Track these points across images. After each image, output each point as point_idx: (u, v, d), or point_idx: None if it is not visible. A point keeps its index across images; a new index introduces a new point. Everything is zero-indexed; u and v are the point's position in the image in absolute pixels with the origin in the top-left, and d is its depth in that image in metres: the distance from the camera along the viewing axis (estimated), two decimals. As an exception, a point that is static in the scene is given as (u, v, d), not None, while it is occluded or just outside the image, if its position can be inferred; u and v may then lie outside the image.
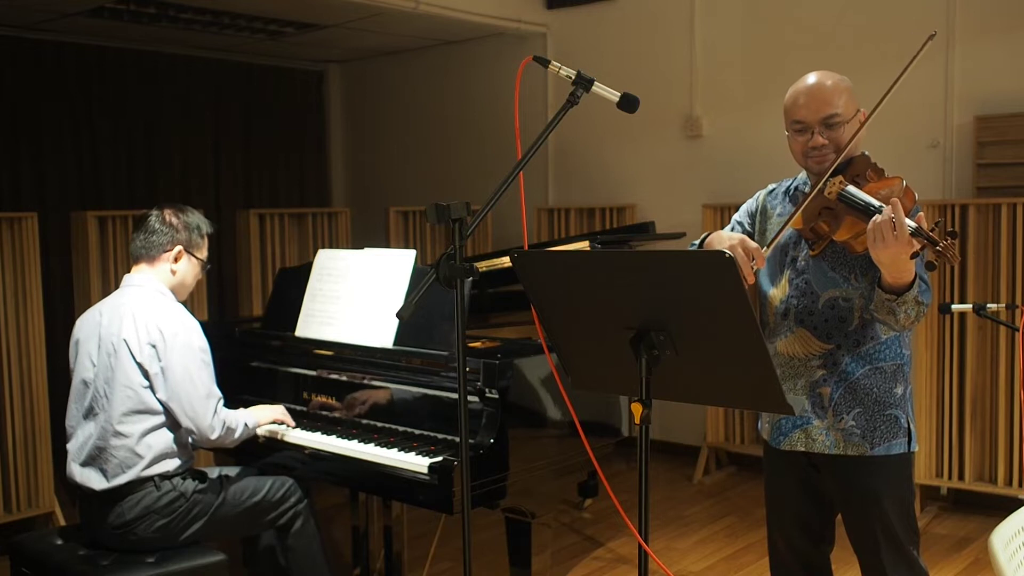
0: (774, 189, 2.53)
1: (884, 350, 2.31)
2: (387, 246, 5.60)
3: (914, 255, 1.96)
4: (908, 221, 1.95)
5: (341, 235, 5.82)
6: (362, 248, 3.26)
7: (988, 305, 3.04)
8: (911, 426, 2.35)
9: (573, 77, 2.17)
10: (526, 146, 2.12)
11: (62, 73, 6.19)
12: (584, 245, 3.40)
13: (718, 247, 2.25)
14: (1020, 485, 4.31)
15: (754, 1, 5.35)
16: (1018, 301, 4.21)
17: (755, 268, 2.18)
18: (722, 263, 1.67)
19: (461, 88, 6.82)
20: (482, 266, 2.94)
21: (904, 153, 4.75)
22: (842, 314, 2.29)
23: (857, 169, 2.23)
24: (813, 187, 2.31)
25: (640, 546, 1.87)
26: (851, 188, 2.17)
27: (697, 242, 2.47)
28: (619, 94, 2.23)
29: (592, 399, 3.02)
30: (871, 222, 2.00)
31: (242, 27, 6.10)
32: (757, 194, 2.56)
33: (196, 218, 3.01)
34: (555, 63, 2.20)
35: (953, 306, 3.20)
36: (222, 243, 6.71)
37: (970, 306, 3.10)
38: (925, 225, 1.96)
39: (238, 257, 5.57)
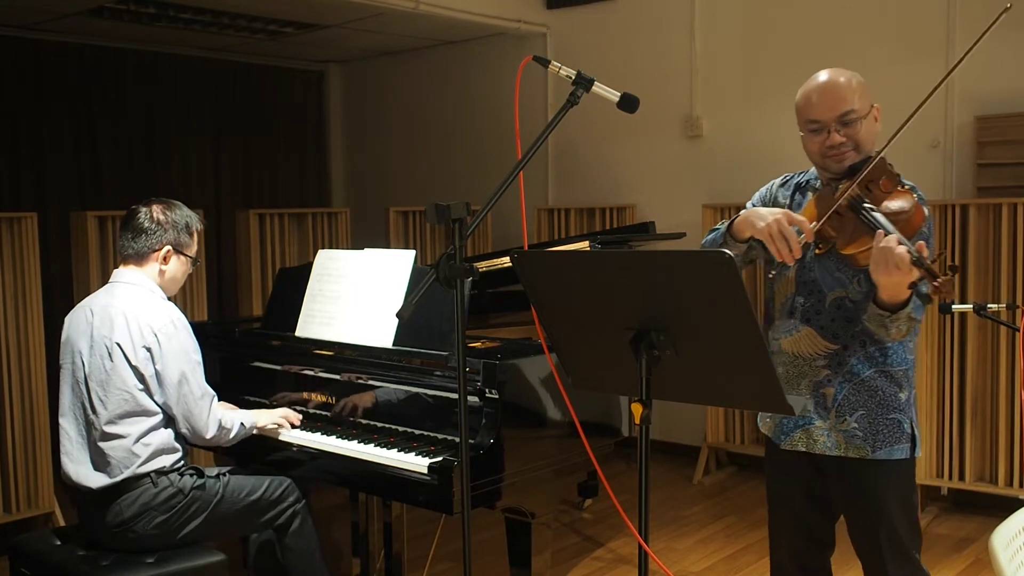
0: (787, 180, 2.47)
1: (892, 354, 2.29)
2: (387, 246, 5.60)
3: (912, 284, 1.97)
4: (911, 250, 1.94)
5: (341, 235, 5.82)
6: (362, 248, 3.26)
7: (988, 305, 3.03)
8: (915, 431, 2.32)
9: (573, 77, 2.17)
10: (526, 146, 2.12)
11: (62, 73, 6.18)
12: (584, 245, 3.40)
13: (757, 222, 2.16)
14: (1020, 485, 4.31)
15: (754, 1, 5.35)
16: (1018, 301, 4.21)
17: (803, 241, 2.11)
18: (722, 263, 1.67)
19: (461, 88, 6.82)
20: (482, 266, 2.94)
21: (904, 153, 4.71)
22: (849, 314, 2.27)
23: (872, 174, 2.18)
24: (827, 184, 2.28)
25: (640, 546, 1.87)
26: (866, 203, 2.12)
27: (723, 226, 2.36)
28: (619, 94, 2.23)
29: (592, 399, 3.01)
30: (875, 244, 1.98)
31: (242, 27, 6.09)
32: (770, 183, 2.50)
33: (185, 215, 2.96)
34: (555, 63, 2.20)
35: (953, 306, 3.19)
36: (222, 243, 6.72)
37: (970, 306, 3.09)
38: (926, 255, 1.95)
39: (238, 257, 5.56)
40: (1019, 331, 3.21)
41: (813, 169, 2.42)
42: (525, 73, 2.19)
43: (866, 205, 2.12)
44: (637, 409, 1.81)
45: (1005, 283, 4.28)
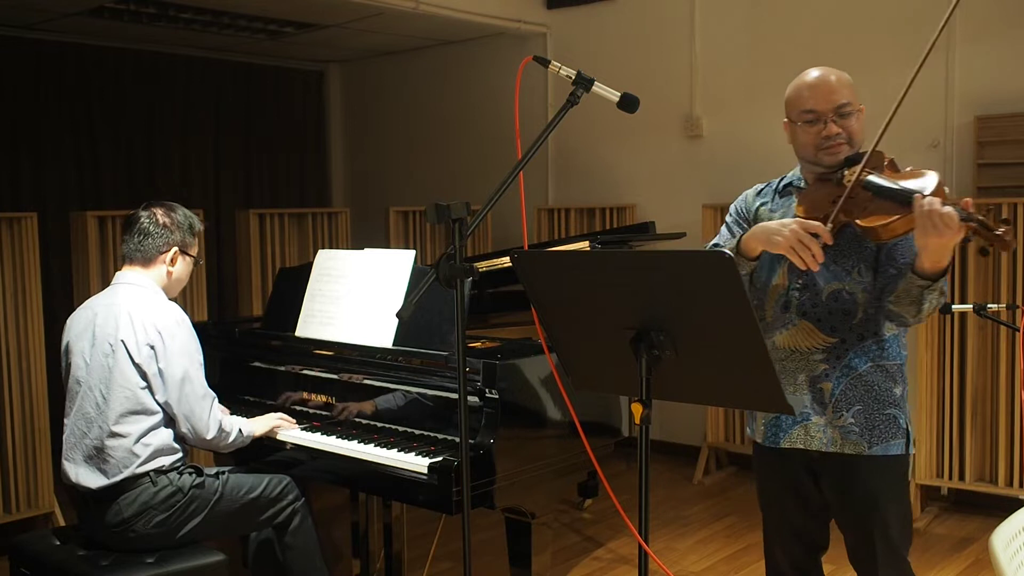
0: (762, 190, 2.47)
1: (888, 348, 2.29)
2: (387, 246, 5.60)
3: (965, 240, 1.95)
4: (957, 207, 1.92)
5: (341, 235, 5.82)
6: (362, 248, 3.26)
7: (988, 305, 3.04)
8: (909, 428, 2.32)
9: (573, 77, 2.18)
10: (526, 146, 2.12)
11: (62, 73, 6.18)
12: (584, 245, 3.40)
13: (773, 237, 2.14)
14: (1020, 485, 4.31)
15: (754, 1, 5.35)
16: (1018, 301, 4.21)
17: (822, 243, 2.09)
18: (722, 263, 1.67)
19: (461, 88, 6.82)
20: (482, 266, 2.94)
21: (904, 153, 4.68)
22: (846, 307, 2.26)
23: (874, 162, 2.19)
24: (818, 180, 2.27)
25: (640, 546, 1.87)
26: (879, 177, 2.12)
27: (734, 243, 2.33)
28: (619, 94, 2.23)
29: (592, 399, 3.01)
30: (917, 208, 1.95)
31: (242, 27, 6.09)
32: (744, 195, 2.49)
33: (188, 216, 3.00)
34: (555, 63, 2.20)
35: (953, 306, 3.19)
36: (222, 243, 6.72)
37: (971, 306, 3.10)
38: (972, 210, 1.93)
39: (238, 257, 5.56)
40: (1019, 331, 3.22)
41: (792, 171, 2.41)
42: (525, 73, 2.19)
43: (882, 178, 2.11)
44: (637, 409, 1.81)
45: (1005, 283, 4.28)
